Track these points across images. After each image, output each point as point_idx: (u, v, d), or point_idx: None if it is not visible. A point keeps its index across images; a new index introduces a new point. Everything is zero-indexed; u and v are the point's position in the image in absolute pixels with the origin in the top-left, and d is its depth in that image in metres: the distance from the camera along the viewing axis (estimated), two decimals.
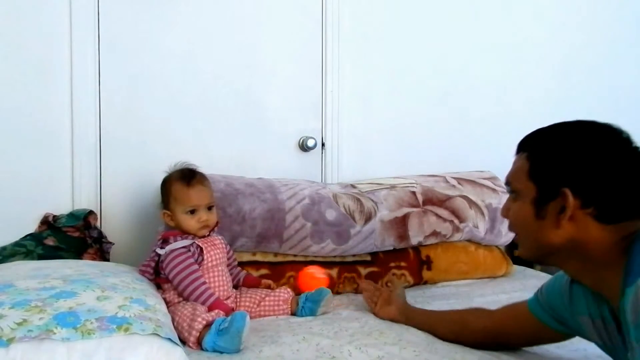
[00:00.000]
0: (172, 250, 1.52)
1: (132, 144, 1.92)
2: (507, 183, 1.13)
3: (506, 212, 1.14)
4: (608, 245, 0.98)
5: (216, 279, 1.56)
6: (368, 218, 1.87)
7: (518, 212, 1.09)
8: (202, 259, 1.55)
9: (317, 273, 1.69)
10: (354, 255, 1.90)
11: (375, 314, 1.57)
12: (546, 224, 1.03)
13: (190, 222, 1.57)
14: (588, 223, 0.99)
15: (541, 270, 2.17)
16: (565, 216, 1.00)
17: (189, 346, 1.34)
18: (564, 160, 1.01)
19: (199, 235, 1.58)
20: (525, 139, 1.10)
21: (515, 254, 2.14)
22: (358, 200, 1.91)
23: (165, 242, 1.55)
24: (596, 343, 1.13)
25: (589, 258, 1.01)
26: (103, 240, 1.82)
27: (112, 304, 1.18)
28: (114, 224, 1.90)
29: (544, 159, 1.05)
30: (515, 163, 1.11)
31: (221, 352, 1.30)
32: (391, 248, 1.93)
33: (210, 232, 1.62)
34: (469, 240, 2.05)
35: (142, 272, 1.54)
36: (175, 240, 1.55)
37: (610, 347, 1.08)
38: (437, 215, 1.96)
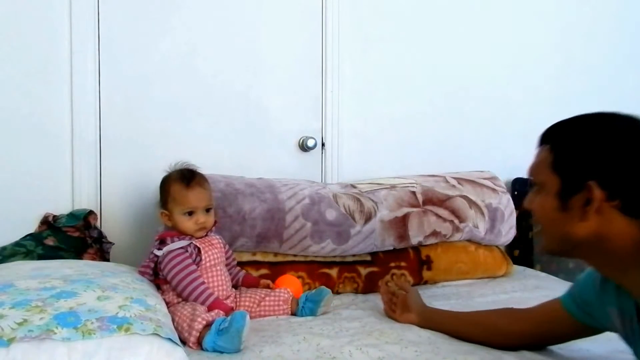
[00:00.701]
0: (170, 252, 1.52)
1: (132, 144, 1.92)
2: (530, 175, 1.10)
3: (530, 204, 1.11)
4: (633, 239, 0.97)
5: (215, 278, 1.56)
6: (368, 218, 1.87)
7: (542, 205, 1.07)
8: (200, 259, 1.54)
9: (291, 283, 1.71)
10: (354, 255, 1.89)
11: (396, 321, 1.53)
12: (571, 217, 1.01)
13: (187, 224, 1.56)
14: (613, 216, 0.98)
15: (541, 270, 2.17)
16: (591, 209, 0.98)
17: (189, 346, 1.33)
18: (589, 152, 0.99)
19: (196, 236, 1.58)
20: (547, 131, 1.08)
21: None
22: (358, 200, 1.90)
23: (162, 243, 1.54)
24: (619, 335, 1.12)
25: (613, 252, 1.00)
26: (103, 240, 1.82)
27: (113, 304, 1.18)
28: (114, 224, 1.90)
29: (568, 151, 1.03)
30: (537, 155, 1.09)
31: (221, 352, 1.30)
32: (391, 248, 1.92)
33: (207, 232, 1.61)
34: (469, 240, 2.05)
35: (142, 274, 1.53)
36: (173, 241, 1.54)
37: (631, 340, 1.07)
38: (437, 215, 1.96)
